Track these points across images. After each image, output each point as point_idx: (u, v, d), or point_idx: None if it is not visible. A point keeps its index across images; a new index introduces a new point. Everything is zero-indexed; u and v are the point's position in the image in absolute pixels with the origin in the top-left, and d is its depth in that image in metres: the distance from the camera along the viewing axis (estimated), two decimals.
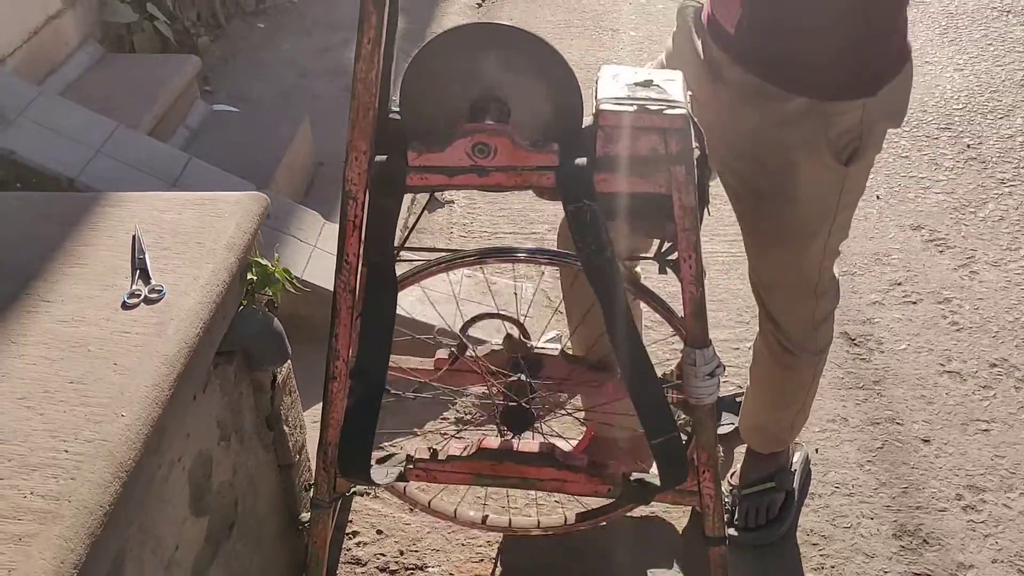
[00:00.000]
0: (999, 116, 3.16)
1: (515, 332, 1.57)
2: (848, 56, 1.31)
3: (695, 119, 1.24)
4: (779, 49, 1.27)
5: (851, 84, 1.32)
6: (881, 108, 1.35)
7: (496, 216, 2.81)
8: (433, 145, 1.25)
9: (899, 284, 2.48)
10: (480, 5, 4.22)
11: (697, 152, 1.27)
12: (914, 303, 2.41)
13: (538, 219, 2.79)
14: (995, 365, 2.20)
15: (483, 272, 2.38)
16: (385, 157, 1.27)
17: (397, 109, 1.32)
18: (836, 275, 1.60)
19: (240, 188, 2.40)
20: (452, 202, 2.85)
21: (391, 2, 1.24)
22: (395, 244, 1.31)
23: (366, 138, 1.25)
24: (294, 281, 1.47)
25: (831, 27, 1.25)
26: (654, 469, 1.37)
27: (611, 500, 1.57)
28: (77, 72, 2.70)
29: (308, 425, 1.71)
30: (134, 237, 1.37)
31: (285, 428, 1.59)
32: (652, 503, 1.51)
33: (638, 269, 1.75)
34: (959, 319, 2.35)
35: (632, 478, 1.44)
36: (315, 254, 2.31)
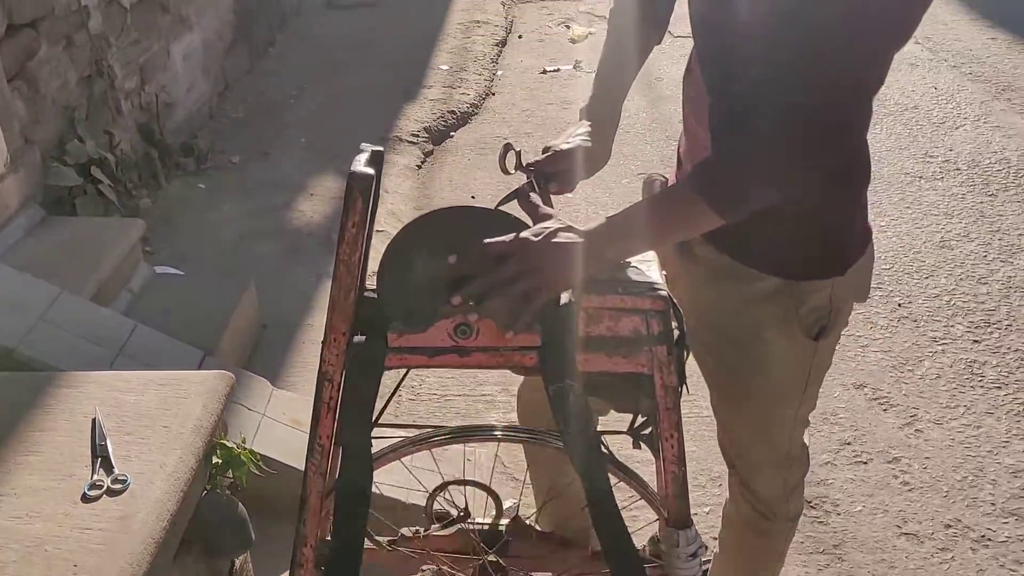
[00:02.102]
0: (924, 276, 3.31)
1: (477, 502, 1.53)
2: (818, 238, 1.36)
3: (673, 299, 1.26)
4: (750, 231, 1.31)
5: (822, 265, 1.37)
6: (849, 286, 1.39)
7: (445, 377, 2.79)
8: (414, 325, 1.24)
9: (848, 444, 2.51)
10: (420, 167, 4.31)
11: (677, 332, 1.28)
12: (864, 463, 2.44)
13: (487, 380, 2.77)
14: (950, 526, 2.22)
15: None
16: (364, 338, 1.26)
17: (373, 288, 1.32)
18: (806, 442, 1.61)
19: (188, 355, 2.33)
20: None
21: (376, 184, 1.25)
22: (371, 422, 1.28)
23: (346, 320, 1.23)
24: (260, 463, 1.41)
25: (801, 211, 1.29)
26: None
27: None
28: (16, 236, 2.64)
29: None
30: (94, 421, 1.31)
31: None
32: None
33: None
34: (910, 479, 2.38)
35: None
36: (264, 423, 2.23)
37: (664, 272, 1.52)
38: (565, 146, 1.42)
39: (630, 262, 1.30)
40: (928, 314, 3.10)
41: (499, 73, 5.53)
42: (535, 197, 1.32)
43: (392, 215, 3.81)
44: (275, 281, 3.19)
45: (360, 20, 6.24)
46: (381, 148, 1.28)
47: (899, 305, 3.15)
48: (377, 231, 4.03)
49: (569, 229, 1.23)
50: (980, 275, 3.31)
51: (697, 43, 1.36)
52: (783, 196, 1.21)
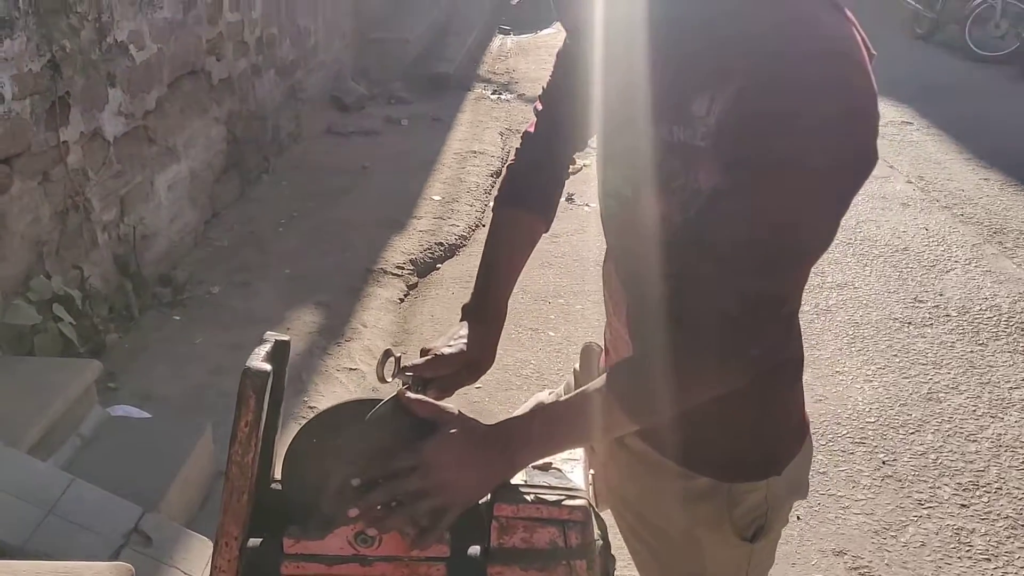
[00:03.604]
0: (911, 431, 3.19)
1: None
2: (751, 436, 1.27)
3: (595, 508, 1.17)
4: (679, 427, 1.22)
5: (755, 465, 1.27)
6: (786, 484, 1.29)
7: None
8: (311, 531, 1.15)
9: None
10: (402, 301, 4.27)
11: (600, 542, 1.19)
12: None
13: None
14: None
15: None
16: (260, 541, 1.17)
17: (279, 479, 1.24)
18: None
19: (126, 513, 2.22)
20: None
21: (276, 378, 1.18)
22: None
23: (239, 523, 1.14)
24: None
25: (729, 410, 1.21)
26: None
27: None
28: None
29: None
30: None
31: None
32: None
33: None
34: None
35: None
36: None
37: (594, 454, 1.43)
38: (446, 350, 1.35)
39: (551, 461, 1.22)
40: (914, 473, 2.97)
41: (491, 204, 5.54)
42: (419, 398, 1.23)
43: (368, 351, 3.74)
44: None
45: (358, 147, 6.32)
46: (287, 338, 1.21)
47: (883, 463, 3.02)
48: (350, 369, 3.90)
49: (475, 430, 1.15)
50: (969, 431, 3.20)
51: (608, 239, 1.30)
52: (708, 395, 1.12)
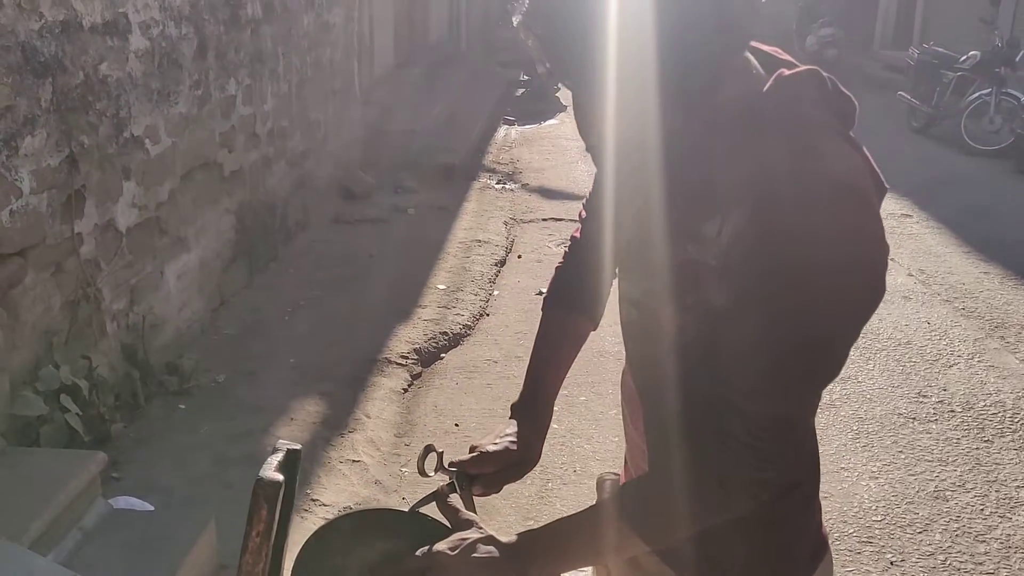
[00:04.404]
0: (918, 531, 3.16)
1: None
2: (764, 559, 1.26)
3: None
4: (695, 547, 1.23)
5: None
6: None
7: None
8: None
9: None
10: (406, 391, 4.27)
11: None
12: None
13: None
14: None
15: None
16: None
17: None
18: None
19: None
20: None
21: (287, 487, 1.20)
22: None
23: None
24: None
25: (743, 531, 1.21)
26: None
27: None
28: None
29: None
30: None
31: None
32: None
33: None
34: None
35: None
36: None
37: (608, 572, 1.43)
38: (491, 447, 1.36)
39: None
40: (923, 575, 2.93)
41: (495, 293, 5.60)
42: (455, 500, 1.25)
43: (371, 443, 3.74)
44: (243, 512, 3.07)
45: (365, 236, 6.40)
46: (298, 447, 1.23)
47: (891, 563, 2.99)
48: (353, 461, 3.89)
49: (490, 541, 1.16)
50: (977, 531, 3.17)
51: (627, 345, 1.33)
52: (715, 519, 1.13)
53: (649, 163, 1.16)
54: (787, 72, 1.10)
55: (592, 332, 1.54)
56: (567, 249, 1.55)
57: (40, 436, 2.88)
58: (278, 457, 1.19)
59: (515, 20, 1.04)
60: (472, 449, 1.39)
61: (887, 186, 1.14)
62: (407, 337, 4.74)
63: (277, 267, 5.62)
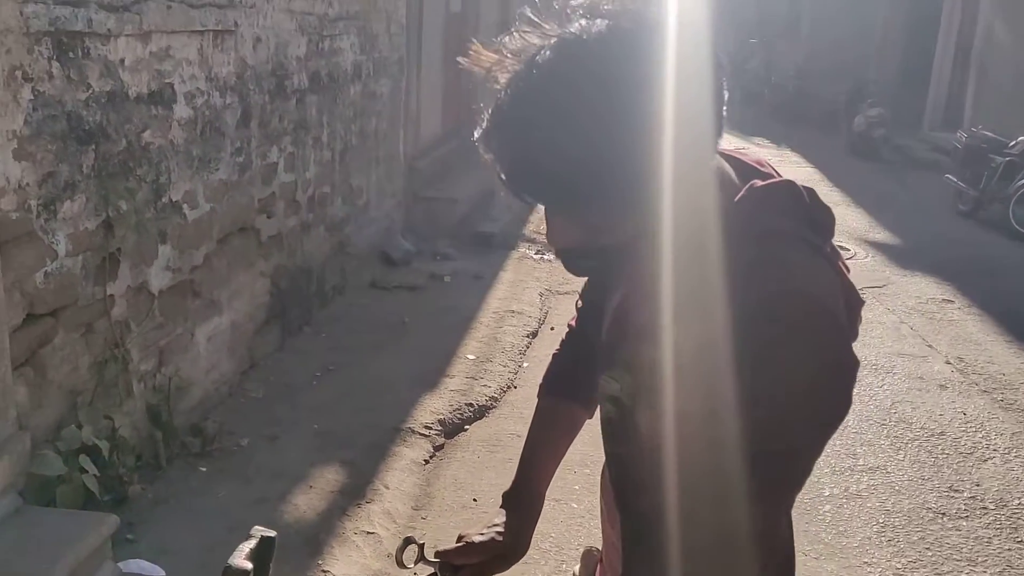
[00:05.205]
0: None
1: None
2: None
3: None
4: None
5: None
6: None
7: None
8: None
9: None
10: (427, 462, 4.26)
11: None
12: None
13: None
14: None
15: None
16: None
17: None
18: None
19: None
20: None
21: (257, 574, 1.20)
22: None
23: None
24: None
25: None
26: None
27: None
28: None
29: None
30: None
31: None
32: None
33: None
34: None
35: None
36: None
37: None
38: (478, 538, 1.36)
39: None
40: None
41: (525, 365, 5.59)
42: None
43: (387, 515, 3.72)
44: None
45: (399, 302, 6.46)
46: (273, 534, 1.23)
47: None
48: (368, 533, 3.88)
49: None
50: None
51: (605, 446, 1.32)
52: None
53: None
54: (759, 183, 1.11)
55: (588, 420, 1.54)
56: (564, 337, 1.56)
57: (57, 496, 2.92)
58: (251, 544, 1.19)
59: (475, 133, 1.06)
60: (459, 539, 1.39)
61: (862, 300, 1.13)
62: (432, 407, 4.74)
63: (310, 331, 5.68)
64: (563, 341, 1.56)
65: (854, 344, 1.09)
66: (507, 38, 1.06)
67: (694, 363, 1.08)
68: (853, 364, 1.05)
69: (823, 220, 1.14)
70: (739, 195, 1.11)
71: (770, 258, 1.05)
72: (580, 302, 1.53)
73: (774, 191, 1.12)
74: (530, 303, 6.75)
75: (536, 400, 1.56)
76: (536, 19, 1.04)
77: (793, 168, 13.18)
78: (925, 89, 15.70)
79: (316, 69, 5.54)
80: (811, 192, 1.15)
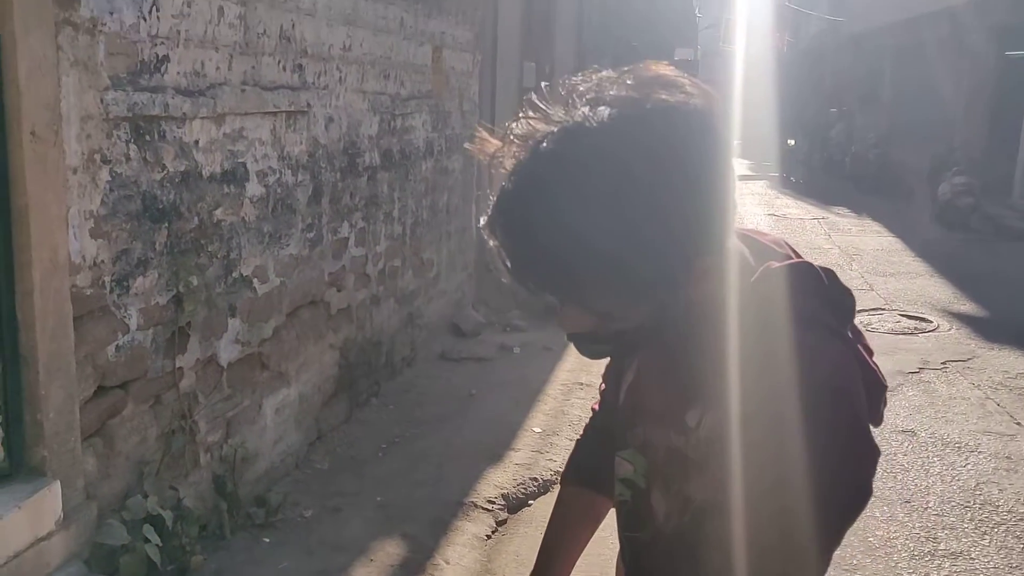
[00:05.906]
0: None
1: None
2: None
3: None
4: None
5: None
6: None
7: None
8: None
9: None
10: (489, 537, 4.23)
11: None
12: None
13: None
14: None
15: None
16: None
17: None
18: None
19: None
20: None
21: None
22: None
23: None
24: None
25: None
26: None
27: None
28: None
29: None
30: None
31: None
32: None
33: None
34: None
35: None
36: None
37: None
38: None
39: None
40: None
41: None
42: None
43: None
44: None
45: (467, 374, 6.48)
46: None
47: None
48: None
49: None
50: None
51: (620, 531, 1.30)
52: None
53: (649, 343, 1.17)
54: (775, 264, 1.10)
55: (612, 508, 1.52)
56: (588, 422, 1.55)
57: (120, 565, 2.98)
58: None
59: (481, 220, 1.08)
60: None
61: (885, 383, 1.10)
62: (496, 481, 4.71)
63: (378, 402, 5.73)
64: (587, 426, 1.54)
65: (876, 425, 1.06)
66: (514, 124, 1.07)
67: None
68: (871, 453, 1.01)
69: (842, 302, 1.11)
70: (755, 276, 1.10)
71: (788, 343, 1.03)
72: (603, 384, 1.52)
73: (790, 273, 1.10)
74: (598, 375, 6.66)
75: (559, 491, 1.54)
76: (542, 105, 1.06)
77: (874, 237, 12.93)
78: (1014, 156, 15.30)
79: (388, 147, 5.70)
80: (830, 273, 1.13)
